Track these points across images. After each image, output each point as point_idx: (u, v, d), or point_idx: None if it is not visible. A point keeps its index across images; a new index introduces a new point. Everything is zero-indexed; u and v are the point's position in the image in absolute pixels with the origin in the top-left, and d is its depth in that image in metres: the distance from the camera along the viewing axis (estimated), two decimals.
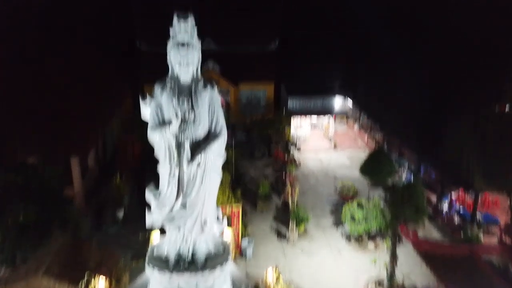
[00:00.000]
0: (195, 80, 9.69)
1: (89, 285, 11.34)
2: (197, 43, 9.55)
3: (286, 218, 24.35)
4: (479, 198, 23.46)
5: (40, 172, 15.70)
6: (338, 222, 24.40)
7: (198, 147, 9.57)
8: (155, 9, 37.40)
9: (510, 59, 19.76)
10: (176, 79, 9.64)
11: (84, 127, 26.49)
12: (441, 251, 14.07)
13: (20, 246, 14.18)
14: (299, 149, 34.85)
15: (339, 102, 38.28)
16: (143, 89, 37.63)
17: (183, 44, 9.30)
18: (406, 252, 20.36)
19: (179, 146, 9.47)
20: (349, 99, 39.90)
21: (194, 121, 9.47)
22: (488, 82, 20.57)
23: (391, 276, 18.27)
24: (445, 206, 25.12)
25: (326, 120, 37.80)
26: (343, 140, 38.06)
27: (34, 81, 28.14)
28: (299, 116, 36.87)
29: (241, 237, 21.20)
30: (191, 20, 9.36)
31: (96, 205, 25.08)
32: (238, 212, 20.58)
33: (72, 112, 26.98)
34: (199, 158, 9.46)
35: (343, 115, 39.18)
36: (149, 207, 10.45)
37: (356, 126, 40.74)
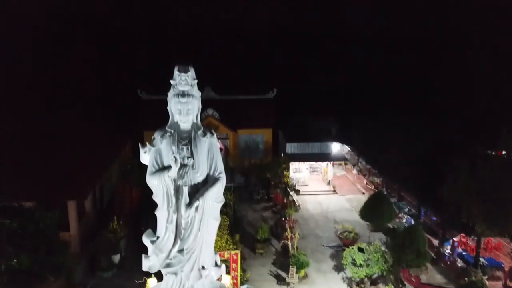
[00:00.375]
0: (194, 128, 9.90)
1: None
2: (197, 93, 9.86)
3: (286, 263, 23.90)
4: (482, 242, 23.17)
5: (37, 217, 15.54)
6: (339, 267, 23.90)
7: (196, 192, 9.59)
8: (156, 59, 38.77)
9: (506, 104, 20.28)
10: (176, 126, 9.85)
11: (83, 172, 26.56)
12: None
13: None
14: (298, 193, 34.70)
15: (336, 147, 38.61)
16: (142, 135, 38.20)
17: (183, 95, 9.59)
18: None
19: (177, 191, 9.50)
20: (345, 145, 40.37)
21: (193, 167, 9.56)
22: (486, 127, 20.98)
23: None
24: (447, 250, 24.72)
25: (324, 164, 37.93)
26: (342, 184, 38.07)
27: (34, 126, 28.68)
28: (297, 161, 37.02)
29: (240, 283, 20.65)
30: (191, 72, 9.71)
31: (91, 249, 24.63)
32: (237, 257, 20.18)
33: (72, 157, 27.25)
34: (197, 203, 9.45)
35: (341, 160, 39.37)
36: (146, 251, 10.30)
37: (354, 171, 40.87)
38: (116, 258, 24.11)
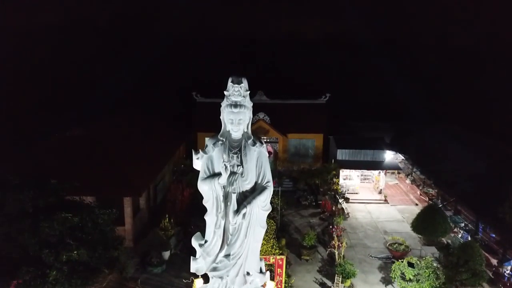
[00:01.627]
0: (245, 137, 10.17)
1: None
2: (249, 104, 10.14)
3: (332, 271, 23.64)
4: None
5: (96, 213, 16.55)
6: (387, 279, 23.22)
7: (244, 199, 9.85)
8: (212, 63, 39.85)
9: None
10: (228, 135, 10.16)
11: (139, 171, 27.94)
12: None
13: (71, 281, 14.79)
14: (347, 200, 34.08)
15: (390, 156, 37.41)
16: (196, 136, 39.41)
17: (236, 105, 9.90)
18: None
19: (226, 198, 9.82)
20: (399, 153, 39.04)
21: (242, 175, 9.83)
22: None
23: None
24: (507, 271, 23.16)
25: (376, 173, 36.94)
26: (394, 193, 36.87)
27: (95, 128, 30.61)
28: (348, 168, 36.32)
29: None
30: (244, 83, 9.99)
31: (143, 245, 25.76)
32: (282, 262, 20.24)
33: (129, 157, 28.77)
34: (244, 210, 9.69)
35: (394, 169, 38.10)
36: (195, 250, 10.70)
37: (407, 180, 39.43)
38: (166, 254, 25.04)
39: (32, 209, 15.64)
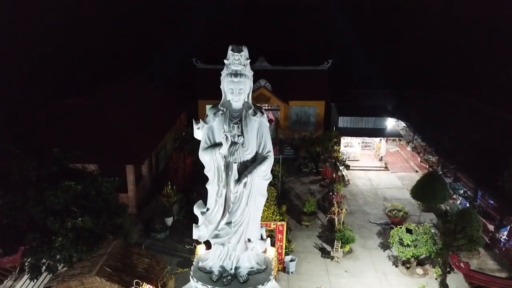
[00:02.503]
0: (246, 107, 10.10)
1: None
2: (249, 73, 9.97)
3: (331, 237, 24.15)
4: None
5: (99, 181, 16.75)
6: (385, 244, 23.79)
7: (245, 169, 9.91)
8: (213, 29, 39.02)
9: None
10: (228, 105, 10.09)
11: (140, 139, 28.04)
12: (495, 286, 13.26)
13: (77, 247, 15.18)
14: (348, 168, 34.32)
15: (391, 123, 37.32)
16: (197, 104, 39.19)
17: (236, 74, 9.75)
18: (458, 282, 19.44)
19: (227, 167, 9.88)
20: (401, 121, 38.91)
21: (242, 145, 9.84)
22: None
23: None
24: (503, 236, 23.65)
25: (377, 140, 36.98)
26: (395, 160, 37.10)
27: (94, 96, 30.46)
28: (349, 135, 36.33)
29: (285, 253, 21.24)
30: (245, 52, 9.80)
31: (147, 212, 26.27)
32: (283, 228, 20.66)
33: (131, 125, 28.77)
34: (245, 179, 9.77)
35: (396, 136, 38.10)
36: (197, 221, 10.90)
37: (408, 148, 39.54)
38: (169, 221, 25.56)
39: (36, 178, 15.80)
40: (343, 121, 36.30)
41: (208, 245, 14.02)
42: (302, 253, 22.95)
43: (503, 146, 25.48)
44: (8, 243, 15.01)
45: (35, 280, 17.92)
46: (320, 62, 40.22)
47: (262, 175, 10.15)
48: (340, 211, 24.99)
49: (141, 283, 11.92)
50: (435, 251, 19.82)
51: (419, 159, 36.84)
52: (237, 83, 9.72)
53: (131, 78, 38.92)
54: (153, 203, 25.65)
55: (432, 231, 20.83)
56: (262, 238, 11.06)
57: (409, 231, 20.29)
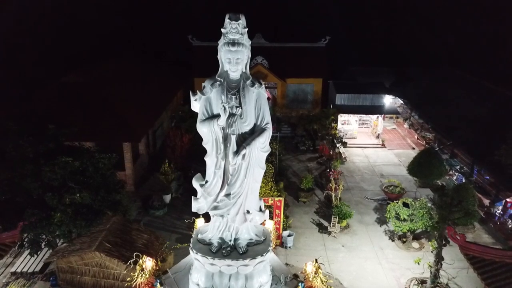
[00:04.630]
0: (243, 78, 9.97)
1: (137, 264, 12.07)
2: (247, 42, 9.82)
3: (328, 213, 24.34)
4: None
5: (96, 158, 16.72)
6: (381, 220, 24.03)
7: (243, 141, 9.87)
8: (209, 5, 38.33)
9: None
10: (226, 75, 9.96)
11: (137, 117, 27.88)
12: (490, 257, 13.49)
13: (75, 223, 15.26)
14: (345, 145, 34.37)
15: (388, 100, 37.22)
16: (193, 81, 38.85)
17: (233, 44, 9.59)
18: (453, 255, 19.77)
19: (225, 139, 9.83)
20: (398, 98, 38.79)
21: (241, 116, 9.77)
22: None
23: (435, 277, 17.82)
24: (498, 211, 23.95)
25: (374, 117, 36.94)
26: (392, 138, 37.14)
27: (90, 74, 30.13)
28: (347, 113, 36.24)
29: (282, 228, 21.44)
30: (242, 20, 9.63)
31: (145, 189, 26.32)
32: (281, 204, 20.80)
33: (127, 103, 28.55)
34: (244, 151, 9.75)
35: (393, 114, 38.06)
36: (195, 194, 10.93)
37: (405, 125, 39.56)
38: (167, 198, 25.64)
39: (33, 154, 15.75)
40: (340, 99, 36.11)
41: (207, 218, 14.17)
42: (299, 228, 23.17)
43: (500, 122, 25.54)
44: (7, 219, 15.05)
45: (35, 256, 18.16)
46: (318, 39, 39.78)
47: (261, 147, 10.13)
48: (337, 187, 25.14)
49: (141, 256, 12.04)
50: (431, 225, 20.07)
51: (416, 136, 36.91)
52: (234, 52, 9.59)
53: (127, 56, 38.48)
54: (151, 180, 25.67)
55: (429, 205, 21.02)
56: (260, 210, 11.14)
57: (406, 205, 20.48)
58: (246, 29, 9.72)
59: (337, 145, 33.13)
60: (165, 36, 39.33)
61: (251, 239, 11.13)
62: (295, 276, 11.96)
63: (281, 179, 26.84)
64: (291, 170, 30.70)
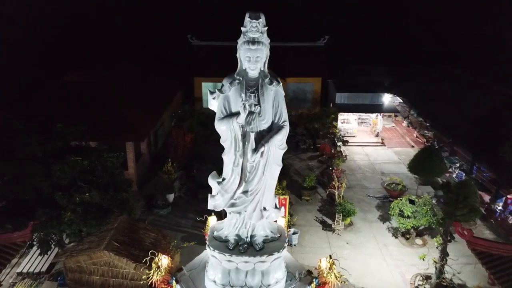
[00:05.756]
0: (262, 75, 10.08)
1: (152, 262, 12.14)
2: (266, 41, 9.94)
3: (332, 210, 24.53)
4: None
5: (104, 157, 16.74)
6: (384, 217, 24.27)
7: (262, 138, 9.99)
8: (207, 5, 38.38)
9: None
10: (244, 74, 10.06)
11: (140, 116, 27.88)
12: (498, 251, 13.74)
13: (86, 222, 15.28)
14: (346, 144, 34.60)
15: (387, 99, 37.54)
16: (193, 81, 38.90)
17: (253, 42, 9.70)
18: (456, 251, 20.02)
19: (244, 137, 9.93)
20: (398, 97, 39.13)
21: (259, 114, 9.87)
22: None
23: (440, 272, 18.07)
24: (499, 207, 24.29)
25: (374, 116, 37.23)
26: (391, 136, 37.45)
27: (91, 74, 30.08)
28: (347, 112, 36.49)
29: (287, 226, 21.58)
30: (262, 19, 9.74)
31: (148, 189, 26.33)
32: (285, 202, 20.93)
33: (129, 103, 28.54)
34: (262, 149, 9.86)
35: (393, 112, 38.38)
36: (211, 191, 11.03)
37: (404, 123, 39.90)
38: (171, 197, 25.69)
39: (41, 153, 15.75)
40: (340, 97, 36.33)
41: (219, 216, 14.27)
42: (304, 226, 23.32)
43: (499, 119, 25.86)
44: (17, 218, 15.03)
45: (42, 256, 18.13)
46: (317, 38, 40.00)
47: (278, 144, 10.25)
48: (340, 185, 25.34)
49: (156, 254, 12.11)
50: (435, 221, 20.35)
51: (415, 135, 37.25)
52: (254, 50, 9.69)
53: (127, 55, 38.39)
54: (154, 180, 25.70)
55: (433, 202, 21.31)
56: (276, 207, 11.26)
57: (411, 201, 20.74)
58: (266, 28, 9.83)
59: (338, 143, 33.34)
60: (164, 36, 39.32)
61: (266, 235, 11.25)
62: (309, 272, 12.10)
63: (284, 177, 26.98)
64: (292, 169, 30.84)
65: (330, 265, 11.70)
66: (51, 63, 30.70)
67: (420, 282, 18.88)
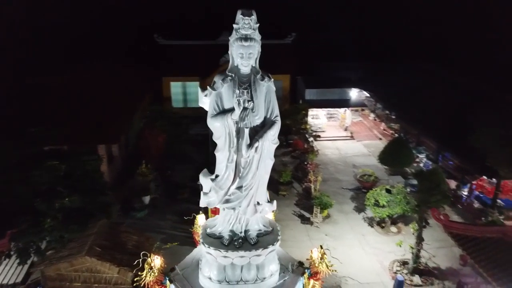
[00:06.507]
0: (254, 72, 10.21)
1: (145, 263, 11.96)
2: (258, 38, 10.07)
3: (308, 204, 25.05)
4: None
5: (83, 160, 16.31)
6: (359, 208, 25.08)
7: (255, 134, 10.11)
8: (172, 3, 37.89)
9: None
10: (236, 71, 10.15)
11: (111, 118, 27.23)
12: (472, 233, 14.64)
13: (68, 227, 14.86)
14: (317, 139, 35.33)
15: (355, 94, 38.69)
16: (161, 81, 38.34)
17: (246, 39, 9.80)
18: (429, 236, 21.06)
19: (238, 133, 10.03)
20: (364, 91, 40.33)
21: (252, 110, 9.99)
22: None
23: (417, 257, 18.94)
24: (464, 193, 25.69)
25: (342, 110, 38.23)
26: (359, 130, 38.59)
27: (59, 76, 29.12)
28: (317, 107, 37.28)
29: None
30: (254, 16, 9.87)
31: (124, 192, 25.81)
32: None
33: (99, 105, 27.83)
34: (257, 144, 9.99)
35: (361, 106, 39.57)
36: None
37: (371, 117, 41.20)
38: (147, 199, 25.32)
39: (17, 159, 15.15)
40: (310, 94, 37.05)
41: (208, 214, 14.29)
42: (283, 220, 23.65)
43: (463, 110, 27.24)
44: None
45: (16, 266, 17.40)
46: (284, 36, 40.41)
47: (271, 139, 10.42)
48: (316, 179, 25.92)
49: (149, 255, 11.95)
50: (409, 209, 21.28)
51: (382, 127, 38.56)
52: (247, 47, 9.80)
53: (95, 56, 37.29)
54: (131, 182, 25.25)
55: (407, 190, 22.25)
56: (268, 201, 11.44)
57: (388, 191, 21.56)
58: (258, 25, 9.96)
59: (309, 139, 33.99)
60: (132, 36, 38.52)
61: (260, 230, 11.40)
62: (300, 263, 12.36)
63: None
64: None
65: (322, 255, 12.01)
66: (16, 66, 29.29)
67: (398, 268, 19.69)
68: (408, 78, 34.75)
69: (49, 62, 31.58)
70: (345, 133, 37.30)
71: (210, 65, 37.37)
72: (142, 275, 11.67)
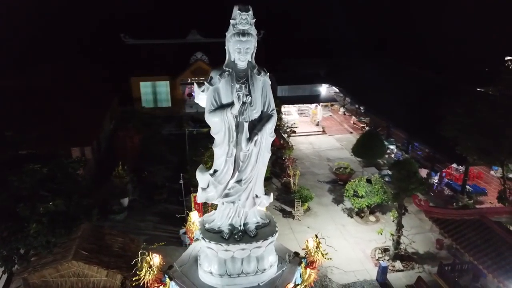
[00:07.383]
0: (250, 67, 10.33)
1: (143, 262, 11.80)
2: (254, 33, 10.18)
3: (288, 198, 25.47)
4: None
5: (65, 163, 15.84)
6: (337, 199, 25.77)
7: (253, 127, 10.24)
8: (138, 2, 37.24)
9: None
10: (233, 66, 10.23)
11: (82, 121, 26.52)
12: (451, 216, 15.46)
13: (54, 231, 14.40)
14: (290, 134, 35.81)
15: (324, 89, 39.54)
16: (130, 81, 37.61)
17: (243, 34, 9.89)
18: (406, 223, 21.94)
19: (237, 127, 10.12)
20: (334, 87, 41.30)
21: (250, 104, 10.12)
22: (483, 62, 22.03)
23: (397, 243, 19.73)
24: (435, 180, 26.96)
25: (313, 106, 38.96)
26: (330, 124, 39.47)
27: (28, 78, 27.95)
28: (287, 104, 37.79)
29: None
30: (251, 11, 9.97)
31: (101, 194, 25.15)
32: None
33: (70, 108, 27.01)
34: (256, 137, 10.13)
35: (331, 101, 40.48)
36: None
37: (341, 111, 42.22)
38: (125, 201, 24.85)
39: None
40: (281, 90, 37.53)
41: (201, 212, 14.25)
42: None
43: (428, 102, 28.56)
44: None
45: None
46: None
47: (269, 132, 10.58)
48: (294, 173, 26.35)
49: (147, 253, 11.79)
50: (387, 198, 22.11)
51: (352, 121, 39.63)
52: (244, 42, 9.90)
53: (63, 57, 36.07)
54: (108, 184, 24.65)
55: (385, 180, 23.09)
56: (266, 194, 11.62)
57: (368, 181, 22.28)
58: (254, 20, 10.07)
59: (284, 135, 34.44)
60: (99, 36, 37.42)
61: (258, 222, 11.56)
62: (296, 254, 12.63)
63: None
64: None
65: (317, 244, 12.34)
66: None
67: (380, 255, 20.44)
68: (376, 72, 35.95)
69: (8, 64, 30.23)
70: (317, 128, 38.05)
71: (180, 64, 37.11)
72: (140, 274, 11.53)
